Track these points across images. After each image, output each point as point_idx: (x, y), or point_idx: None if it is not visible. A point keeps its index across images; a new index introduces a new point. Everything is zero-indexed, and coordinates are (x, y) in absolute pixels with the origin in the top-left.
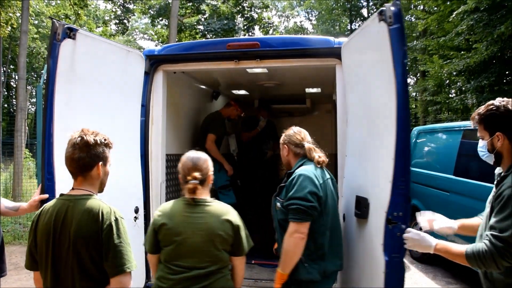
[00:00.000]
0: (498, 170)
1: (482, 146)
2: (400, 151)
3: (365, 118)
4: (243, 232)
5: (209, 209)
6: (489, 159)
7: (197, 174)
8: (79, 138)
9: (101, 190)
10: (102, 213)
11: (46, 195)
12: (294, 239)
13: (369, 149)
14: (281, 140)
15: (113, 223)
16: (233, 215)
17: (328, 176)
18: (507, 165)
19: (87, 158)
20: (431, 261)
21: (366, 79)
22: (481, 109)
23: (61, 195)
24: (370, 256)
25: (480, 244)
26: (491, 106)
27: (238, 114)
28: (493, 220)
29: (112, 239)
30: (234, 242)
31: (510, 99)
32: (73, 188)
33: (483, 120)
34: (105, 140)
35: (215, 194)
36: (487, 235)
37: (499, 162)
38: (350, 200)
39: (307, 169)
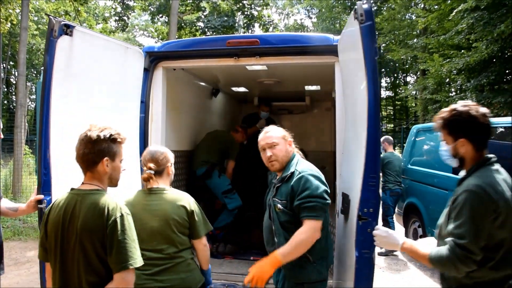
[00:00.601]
0: (463, 172)
1: (445, 150)
2: (370, 148)
3: (351, 116)
4: (198, 217)
5: (165, 196)
6: (452, 162)
7: (152, 165)
8: (84, 134)
9: (113, 185)
10: (108, 208)
11: (41, 196)
12: (313, 236)
13: (352, 146)
14: (283, 134)
15: (118, 219)
16: (187, 201)
17: None
18: (468, 168)
19: (91, 154)
20: None
21: (351, 76)
22: (444, 113)
23: (72, 189)
24: (350, 252)
25: (443, 249)
26: (454, 112)
27: (242, 141)
28: (451, 225)
29: (116, 235)
30: (190, 226)
31: (474, 104)
32: (83, 183)
33: (446, 125)
34: (111, 135)
35: (221, 200)
36: (448, 241)
37: (462, 166)
38: (341, 196)
39: (311, 168)
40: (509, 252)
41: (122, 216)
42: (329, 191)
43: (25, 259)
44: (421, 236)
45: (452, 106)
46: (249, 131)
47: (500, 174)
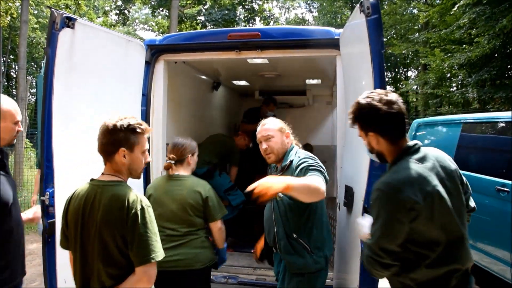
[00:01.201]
0: None
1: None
2: None
3: None
4: (212, 202)
5: (184, 183)
6: (373, 158)
7: (172, 156)
8: (103, 124)
9: (133, 176)
10: (128, 201)
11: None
12: (319, 187)
13: (355, 140)
14: (280, 126)
15: (139, 212)
16: (203, 188)
17: None
18: (390, 163)
19: (108, 143)
20: None
21: (354, 70)
22: (352, 107)
23: (92, 180)
24: (353, 244)
25: None
26: (357, 105)
27: (246, 144)
28: None
29: (138, 228)
30: (205, 209)
31: (379, 92)
32: (103, 173)
33: (355, 120)
34: (129, 125)
35: (225, 198)
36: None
37: (383, 160)
38: (343, 189)
39: (311, 155)
40: (449, 247)
41: (142, 208)
42: (328, 178)
43: (27, 251)
44: None
45: (357, 99)
46: (249, 127)
47: (425, 162)
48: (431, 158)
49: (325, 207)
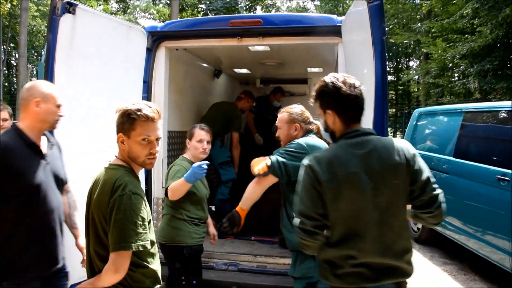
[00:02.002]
0: None
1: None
2: (377, 127)
3: None
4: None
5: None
6: (327, 137)
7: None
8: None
9: (138, 164)
10: (114, 185)
11: None
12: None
13: None
14: (289, 118)
15: (119, 197)
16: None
17: None
18: None
19: (116, 128)
20: (429, 242)
21: (356, 57)
22: (316, 85)
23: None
24: None
25: None
26: (322, 83)
27: (250, 105)
28: None
29: (114, 214)
30: None
31: (344, 75)
32: (115, 156)
33: (317, 97)
34: (126, 110)
35: (215, 170)
36: None
37: (334, 140)
38: None
39: (310, 139)
40: (350, 235)
41: (124, 195)
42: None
43: None
44: None
45: (322, 78)
46: (250, 116)
47: (357, 149)
48: (369, 147)
49: None
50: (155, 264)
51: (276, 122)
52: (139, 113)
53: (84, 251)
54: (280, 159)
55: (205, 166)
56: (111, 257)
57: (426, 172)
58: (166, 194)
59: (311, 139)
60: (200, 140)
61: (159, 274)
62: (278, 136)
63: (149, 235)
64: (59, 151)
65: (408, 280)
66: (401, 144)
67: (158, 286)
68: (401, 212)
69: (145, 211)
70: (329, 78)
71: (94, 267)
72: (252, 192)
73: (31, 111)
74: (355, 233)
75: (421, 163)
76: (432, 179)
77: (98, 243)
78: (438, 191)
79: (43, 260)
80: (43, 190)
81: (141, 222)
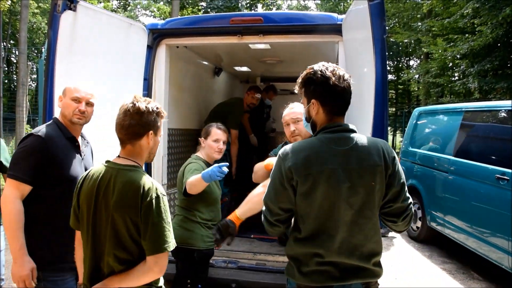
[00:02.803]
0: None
1: (303, 114)
2: (377, 124)
3: (356, 95)
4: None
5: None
6: (308, 128)
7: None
8: (131, 105)
9: (149, 160)
10: (143, 188)
11: None
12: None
13: (357, 123)
14: (298, 118)
15: (154, 200)
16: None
17: None
18: None
19: (138, 125)
20: (428, 241)
21: (356, 55)
22: (303, 72)
23: (107, 161)
24: None
25: None
26: (310, 70)
27: (257, 100)
28: None
29: (151, 217)
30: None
31: (334, 65)
32: (119, 156)
33: (303, 84)
34: (157, 108)
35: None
36: None
37: (314, 132)
38: None
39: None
40: (321, 231)
41: (158, 197)
42: None
43: None
44: (420, 218)
45: (311, 66)
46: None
47: (335, 145)
48: (349, 144)
49: None
50: None
51: (293, 115)
52: (164, 112)
53: None
54: None
55: (226, 170)
56: (152, 259)
57: (402, 179)
58: (185, 193)
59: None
60: (217, 139)
61: None
62: (297, 129)
63: None
64: (90, 150)
65: (408, 279)
66: (381, 145)
67: (162, 281)
68: (374, 215)
69: None
70: (318, 66)
71: (100, 267)
72: (256, 203)
73: (59, 107)
74: (325, 231)
75: (399, 168)
76: (405, 187)
77: (119, 245)
78: (409, 201)
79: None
80: None
81: (170, 222)
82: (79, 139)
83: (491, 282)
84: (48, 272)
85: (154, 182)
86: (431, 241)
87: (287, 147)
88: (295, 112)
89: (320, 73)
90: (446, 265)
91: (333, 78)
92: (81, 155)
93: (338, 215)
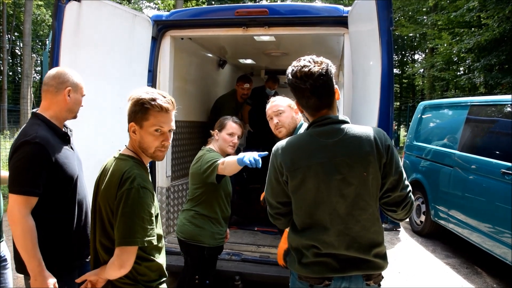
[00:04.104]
0: None
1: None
2: (382, 118)
3: (362, 88)
4: (206, 161)
5: (199, 155)
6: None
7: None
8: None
9: (148, 156)
10: (122, 177)
11: None
12: None
13: (362, 120)
14: (293, 105)
15: (127, 191)
16: (202, 154)
17: None
18: None
19: (127, 116)
20: (431, 235)
21: (362, 48)
22: None
23: (117, 152)
24: None
25: None
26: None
27: (248, 89)
28: None
29: (122, 208)
30: (203, 175)
31: (304, 61)
32: (125, 146)
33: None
34: (140, 98)
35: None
36: None
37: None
38: None
39: None
40: (314, 224)
41: (131, 188)
42: None
43: None
44: (424, 213)
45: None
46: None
47: (325, 138)
48: (338, 136)
49: None
50: (161, 258)
51: (275, 108)
52: (153, 102)
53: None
54: None
55: (260, 160)
56: (116, 252)
57: (399, 167)
58: (216, 177)
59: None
60: (232, 133)
61: (164, 267)
62: (280, 121)
63: (156, 230)
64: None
65: (411, 273)
66: (375, 134)
67: (164, 279)
68: (370, 205)
69: (153, 206)
70: (289, 68)
71: (99, 258)
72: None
73: (61, 100)
74: (319, 224)
75: (395, 157)
76: (404, 175)
77: (104, 234)
78: (408, 189)
79: (81, 249)
80: (79, 180)
81: (148, 217)
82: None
83: (495, 277)
84: (64, 272)
85: (136, 173)
86: (435, 236)
87: (279, 144)
88: (276, 105)
89: (289, 76)
90: (449, 259)
91: (296, 80)
92: (72, 149)
93: (331, 207)
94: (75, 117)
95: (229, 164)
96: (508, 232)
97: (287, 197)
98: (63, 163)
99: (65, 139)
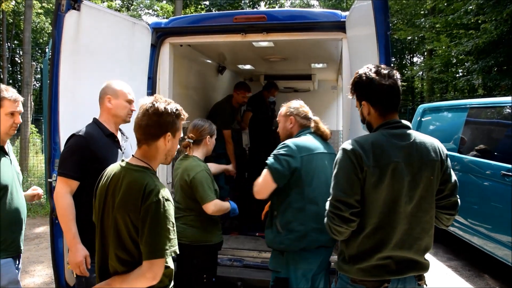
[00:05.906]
0: None
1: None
2: None
3: None
4: (198, 186)
5: (183, 164)
6: (364, 128)
7: (191, 135)
8: (150, 105)
9: (166, 162)
10: (145, 190)
11: (37, 192)
12: (256, 187)
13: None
14: (285, 112)
15: (154, 204)
16: (193, 171)
17: (325, 150)
18: None
19: (155, 126)
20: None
21: (360, 52)
22: (352, 78)
23: (122, 161)
24: None
25: None
26: (357, 75)
27: (245, 96)
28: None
29: (149, 221)
30: (193, 192)
31: (378, 66)
32: (133, 156)
33: (353, 89)
34: (176, 110)
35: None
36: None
37: (370, 131)
38: None
39: (299, 139)
40: (383, 223)
41: (158, 201)
42: (293, 155)
43: (34, 235)
44: None
45: (358, 70)
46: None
47: (398, 140)
48: (410, 139)
49: (308, 194)
50: (172, 263)
51: (277, 117)
52: (184, 113)
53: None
54: (279, 167)
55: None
56: (146, 265)
57: (454, 175)
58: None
59: (300, 139)
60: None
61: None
62: (278, 129)
63: None
64: (130, 144)
65: None
66: (436, 142)
67: (173, 283)
68: (432, 208)
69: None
70: (363, 69)
71: (107, 268)
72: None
73: (105, 107)
74: (387, 223)
75: (450, 165)
76: (457, 183)
77: (120, 246)
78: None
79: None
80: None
81: (172, 228)
82: (118, 135)
83: (497, 279)
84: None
85: (158, 185)
86: (437, 239)
87: (353, 141)
88: (279, 113)
89: (364, 75)
90: (451, 262)
91: (377, 78)
92: (121, 149)
93: (400, 207)
94: (126, 121)
95: (221, 209)
96: (509, 234)
97: (362, 195)
98: (103, 156)
99: (114, 139)
